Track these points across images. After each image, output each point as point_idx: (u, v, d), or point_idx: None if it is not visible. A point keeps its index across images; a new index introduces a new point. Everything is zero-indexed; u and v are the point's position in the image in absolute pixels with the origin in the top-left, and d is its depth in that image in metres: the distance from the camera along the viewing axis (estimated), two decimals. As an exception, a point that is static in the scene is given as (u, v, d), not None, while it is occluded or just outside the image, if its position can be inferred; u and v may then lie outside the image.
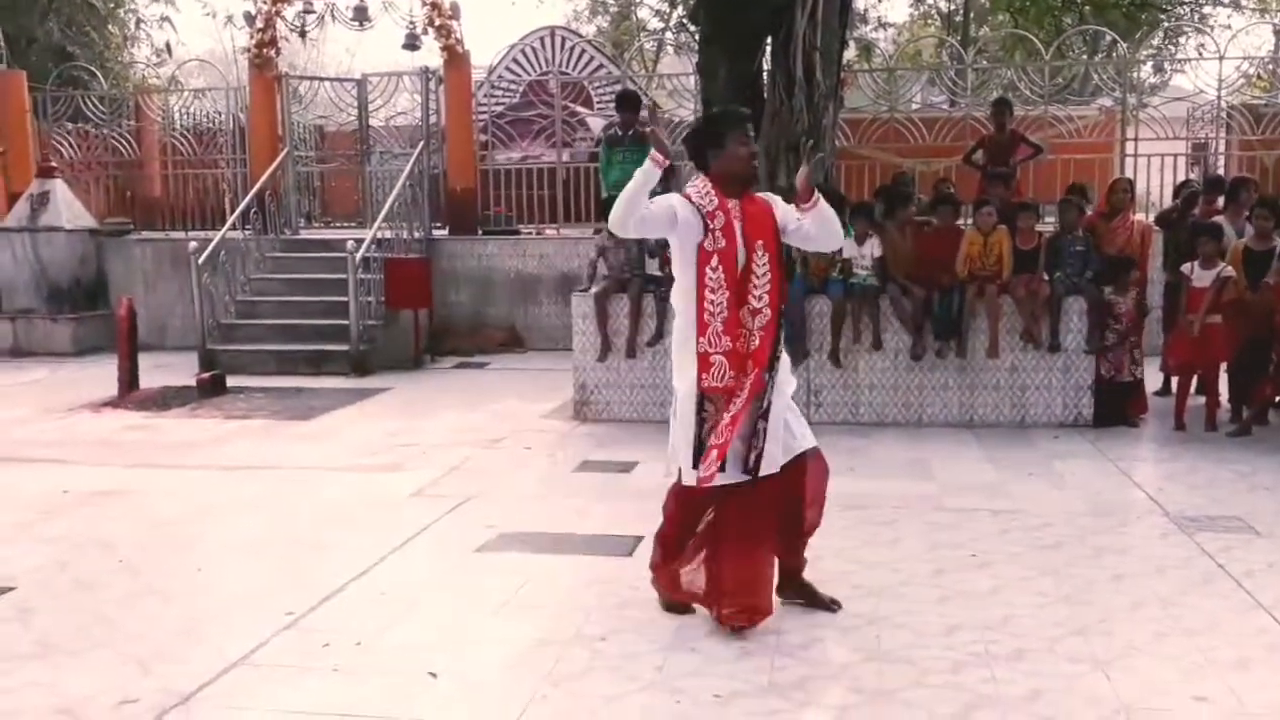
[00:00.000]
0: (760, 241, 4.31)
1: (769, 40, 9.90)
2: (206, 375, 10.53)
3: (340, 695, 3.86)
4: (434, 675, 4.00)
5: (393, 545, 5.54)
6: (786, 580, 4.59)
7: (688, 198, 4.34)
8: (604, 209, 9.47)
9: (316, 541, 5.68)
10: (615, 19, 31.84)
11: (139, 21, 22.39)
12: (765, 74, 10.13)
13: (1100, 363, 8.23)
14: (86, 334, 13.56)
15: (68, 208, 13.98)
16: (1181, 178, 11.63)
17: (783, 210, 4.42)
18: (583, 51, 17.39)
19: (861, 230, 8.48)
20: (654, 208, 4.28)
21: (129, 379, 10.24)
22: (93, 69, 16.51)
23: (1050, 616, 4.47)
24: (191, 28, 46.61)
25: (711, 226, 4.27)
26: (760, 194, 4.48)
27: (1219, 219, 8.74)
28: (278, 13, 14.46)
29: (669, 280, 8.58)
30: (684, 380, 4.35)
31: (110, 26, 21.67)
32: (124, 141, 15.29)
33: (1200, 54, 15.19)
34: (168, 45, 21.56)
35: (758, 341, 4.30)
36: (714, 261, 4.26)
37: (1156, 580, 4.90)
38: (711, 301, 4.27)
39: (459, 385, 10.89)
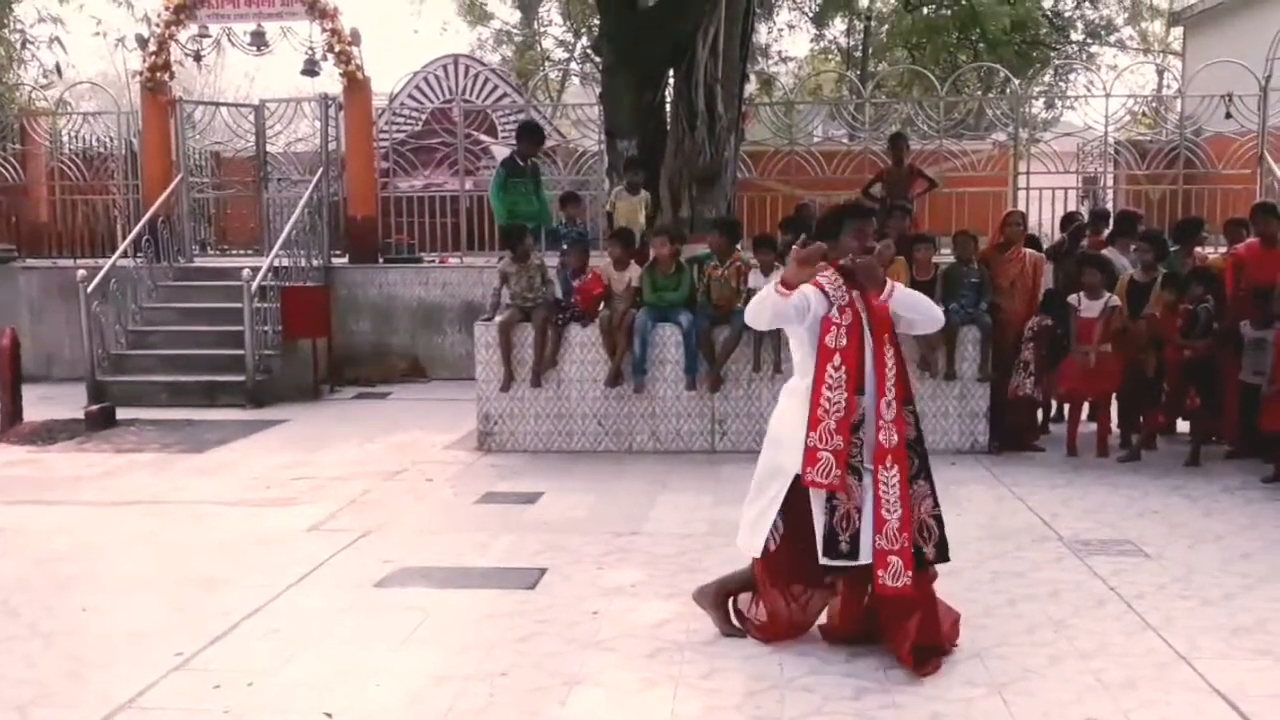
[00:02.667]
0: (886, 335, 4.31)
1: (672, 72, 10.01)
2: (95, 408, 10.19)
3: (231, 738, 3.74)
4: (329, 716, 3.89)
5: (287, 582, 5.39)
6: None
7: (820, 287, 4.30)
8: (505, 237, 9.43)
9: (208, 579, 5.51)
10: (520, 48, 31.87)
11: (25, 42, 21.69)
12: (669, 105, 10.24)
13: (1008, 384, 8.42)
14: (-33, 365, 13.02)
15: (-53, 233, 13.47)
16: (1072, 211, 11.99)
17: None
18: (486, 80, 17.40)
19: (765, 261, 8.56)
20: (789, 304, 4.24)
21: (11, 411, 9.86)
22: (-25, 90, 15.98)
23: (949, 642, 4.53)
24: (82, 49, 45.37)
25: (838, 322, 4.25)
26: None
27: (1106, 251, 9.02)
28: (172, 36, 14.14)
29: (570, 308, 8.63)
30: (791, 457, 4.32)
31: (-5, 46, 20.99)
32: (8, 165, 14.79)
33: (1089, 91, 15.75)
34: (57, 67, 20.89)
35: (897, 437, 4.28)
36: (836, 360, 4.24)
37: (1051, 604, 5.00)
38: (828, 399, 4.23)
39: (359, 416, 10.71)
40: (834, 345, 4.24)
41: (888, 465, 4.26)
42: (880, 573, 4.20)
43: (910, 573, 4.19)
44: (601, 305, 8.70)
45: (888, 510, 4.23)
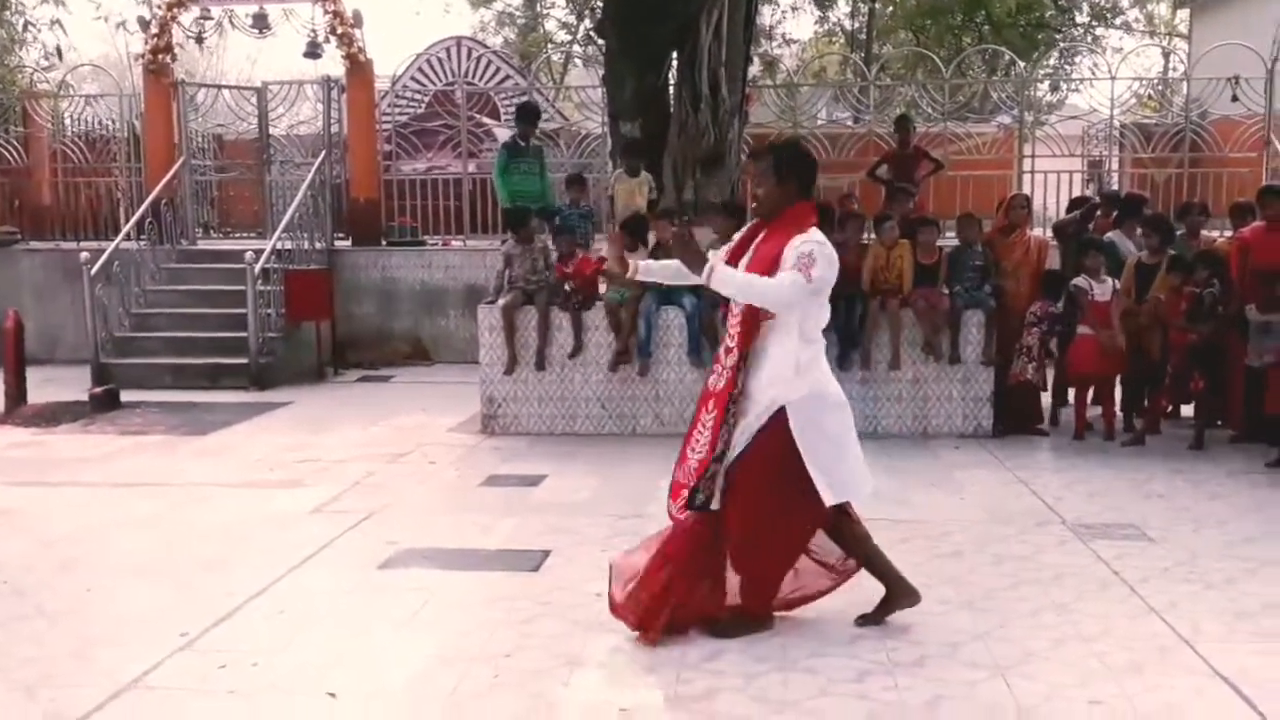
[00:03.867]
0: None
1: (675, 55, 9.98)
2: (99, 390, 10.20)
3: (237, 718, 3.75)
4: (334, 695, 3.90)
5: (291, 563, 5.40)
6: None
7: None
8: (509, 220, 9.43)
9: (212, 560, 5.52)
10: (522, 31, 31.78)
11: (27, 24, 21.65)
12: (672, 88, 10.22)
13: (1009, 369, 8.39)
14: (-29, 348, 13.02)
15: (-49, 216, 13.46)
16: (1077, 194, 11.95)
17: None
18: (489, 62, 17.33)
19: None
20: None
21: (16, 394, 9.87)
22: (-22, 73, 15.95)
23: (951, 624, 4.53)
24: (83, 31, 45.27)
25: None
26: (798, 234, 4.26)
27: (1112, 234, 9.00)
28: (174, 18, 14.11)
29: (572, 293, 8.62)
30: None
31: (-4, 29, 20.97)
32: (11, 148, 14.77)
33: (1094, 74, 15.69)
34: (58, 49, 20.85)
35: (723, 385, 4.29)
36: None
37: (1054, 587, 5.00)
38: None
39: (362, 399, 10.72)
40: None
41: (709, 409, 4.32)
42: (671, 502, 4.38)
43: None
44: (605, 288, 8.68)
45: (693, 450, 4.33)
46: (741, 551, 4.38)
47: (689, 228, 4.43)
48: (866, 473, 4.53)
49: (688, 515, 4.34)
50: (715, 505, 4.32)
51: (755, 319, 4.26)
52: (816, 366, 4.39)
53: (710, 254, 4.38)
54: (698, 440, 4.36)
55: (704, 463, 4.30)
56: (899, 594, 4.53)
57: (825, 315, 4.44)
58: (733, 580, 4.47)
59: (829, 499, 4.32)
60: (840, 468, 4.37)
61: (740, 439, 4.30)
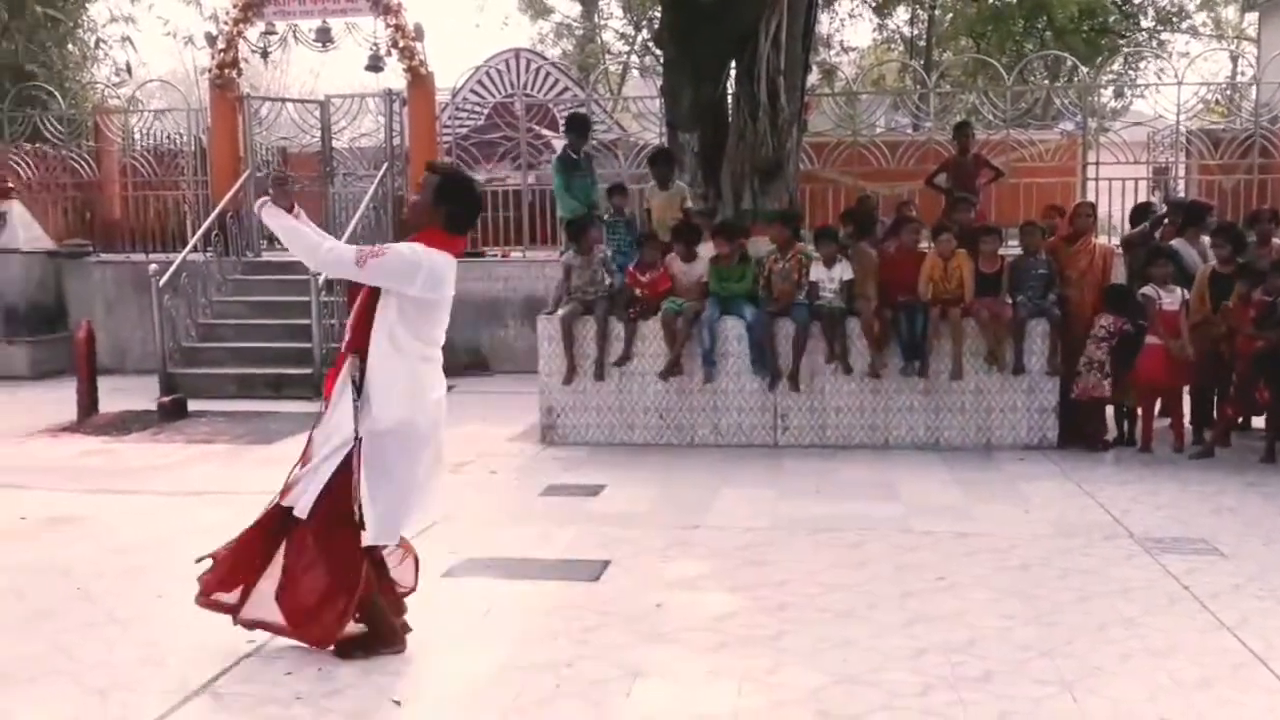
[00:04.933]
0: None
1: (733, 64, 9.97)
2: (167, 399, 10.41)
3: (302, 725, 3.80)
4: (398, 703, 3.95)
5: (356, 571, 5.45)
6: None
7: None
8: (568, 230, 9.49)
9: (279, 567, 5.58)
10: (580, 42, 31.95)
11: (99, 41, 22.16)
12: (729, 98, 10.20)
13: (1074, 385, 8.26)
14: (44, 357, 13.35)
15: (25, 229, 13.79)
16: (1142, 201, 11.75)
17: None
18: (548, 74, 17.42)
19: (828, 253, 8.52)
20: None
21: (88, 403, 10.10)
22: (51, 89, 16.33)
23: (1017, 638, 4.48)
24: (152, 47, 46.39)
25: None
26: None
27: (1175, 242, 8.83)
28: (240, 34, 14.39)
29: (635, 300, 8.66)
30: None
31: (70, 45, 21.46)
32: (83, 162, 15.12)
33: (1159, 79, 15.47)
34: (128, 65, 21.35)
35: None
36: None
37: (1122, 602, 4.92)
38: None
39: (424, 408, 10.79)
40: None
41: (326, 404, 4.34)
42: (284, 498, 4.36)
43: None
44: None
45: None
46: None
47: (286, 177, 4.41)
48: (425, 508, 4.46)
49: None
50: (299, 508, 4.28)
51: (367, 312, 4.26)
52: (410, 392, 4.31)
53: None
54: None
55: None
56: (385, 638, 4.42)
57: (436, 334, 4.41)
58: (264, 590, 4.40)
59: (367, 539, 4.26)
60: (394, 508, 4.29)
61: (324, 467, 4.26)
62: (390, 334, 4.22)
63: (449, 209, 4.34)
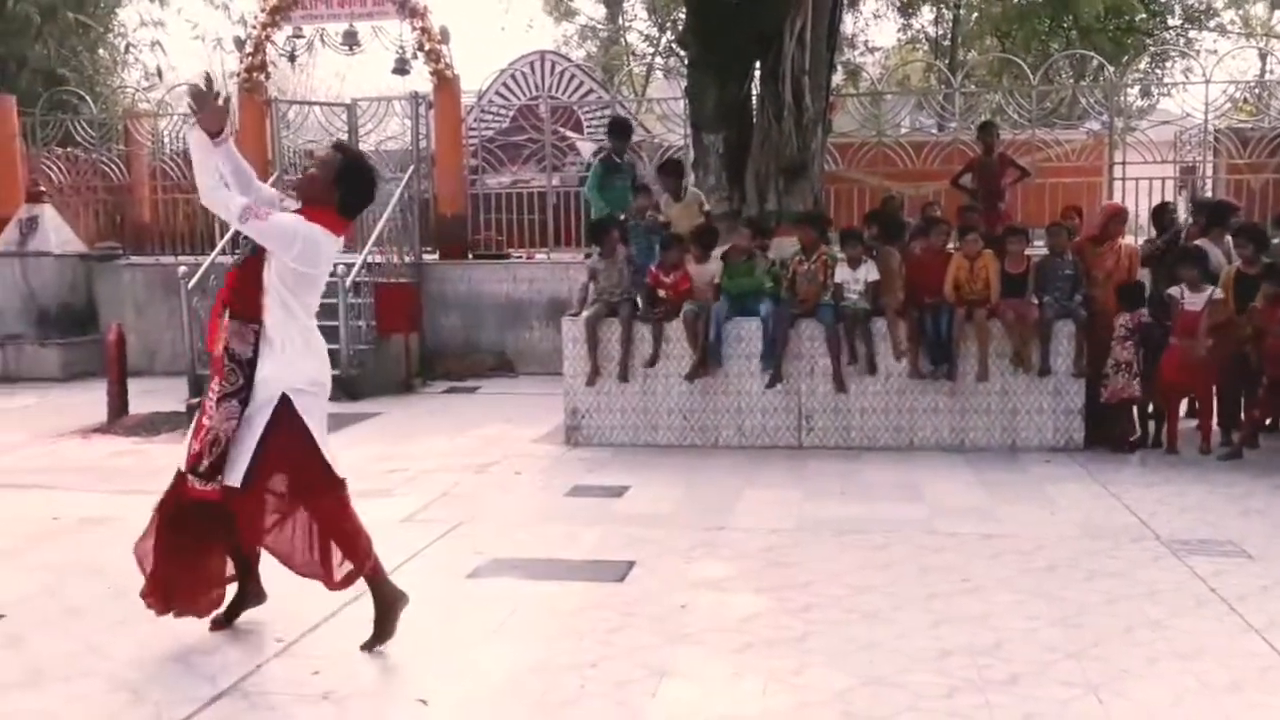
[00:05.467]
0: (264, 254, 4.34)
1: (758, 65, 9.98)
2: (196, 400, 10.47)
3: (331, 723, 3.84)
4: (424, 702, 3.98)
5: (383, 571, 5.50)
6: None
7: None
8: (592, 231, 9.51)
9: (307, 568, 5.64)
10: (605, 44, 31.99)
11: (129, 46, 22.41)
12: (754, 98, 10.21)
13: (1102, 388, 8.21)
14: (76, 359, 13.51)
15: (57, 233, 13.96)
16: (1165, 201, 11.66)
17: None
18: (572, 76, 17.44)
19: (853, 255, 8.51)
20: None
21: (118, 404, 10.21)
22: (82, 93, 16.52)
23: (1043, 641, 4.47)
24: (181, 51, 46.91)
25: None
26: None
27: (1199, 242, 8.77)
28: (268, 37, 14.50)
29: (658, 301, 8.68)
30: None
31: (100, 50, 21.70)
32: (113, 166, 15.28)
33: (1187, 78, 15.36)
34: (158, 69, 21.61)
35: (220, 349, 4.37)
36: None
37: (1149, 604, 4.90)
38: None
39: (449, 410, 10.87)
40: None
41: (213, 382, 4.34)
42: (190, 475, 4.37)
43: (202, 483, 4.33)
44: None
45: (208, 418, 4.33)
46: (328, 521, 4.45)
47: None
48: None
49: (207, 486, 4.35)
50: (231, 479, 4.32)
51: (254, 279, 4.30)
52: (316, 351, 4.47)
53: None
54: (210, 408, 4.36)
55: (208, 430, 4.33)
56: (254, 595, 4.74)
57: (313, 300, 4.47)
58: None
59: (340, 473, 4.50)
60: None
61: (253, 425, 4.30)
62: (282, 299, 4.32)
63: (344, 192, 4.42)
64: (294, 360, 4.34)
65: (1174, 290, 8.09)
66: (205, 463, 4.32)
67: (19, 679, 4.24)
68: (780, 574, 5.40)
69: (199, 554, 4.58)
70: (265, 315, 4.30)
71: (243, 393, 4.31)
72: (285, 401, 4.30)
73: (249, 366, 4.31)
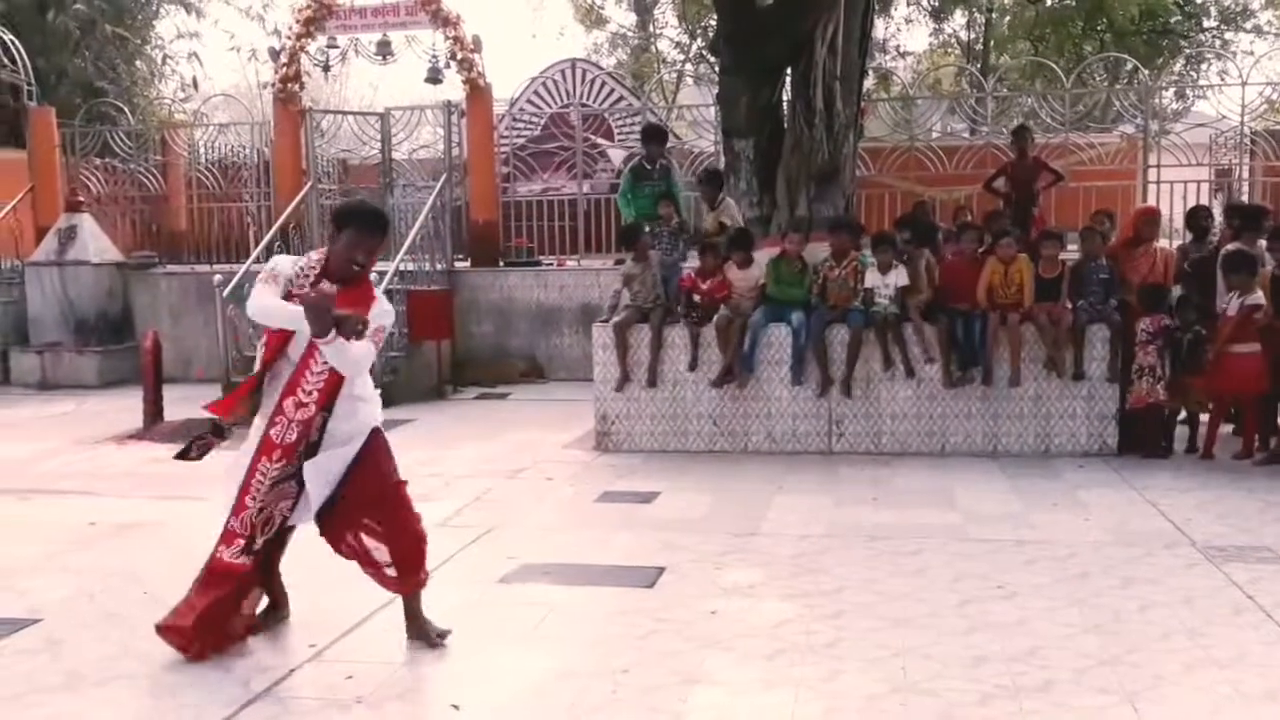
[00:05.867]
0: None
1: (789, 71, 9.96)
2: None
3: (364, 727, 3.86)
4: (457, 707, 3.99)
5: (416, 576, 5.53)
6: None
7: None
8: (623, 238, 9.53)
9: (340, 573, 5.64)
10: (635, 51, 32.02)
11: (166, 57, 22.67)
12: (785, 104, 10.19)
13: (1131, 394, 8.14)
14: (113, 367, 13.66)
15: (95, 242, 14.13)
16: (1200, 205, 11.53)
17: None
18: (603, 84, 17.53)
19: (884, 260, 8.48)
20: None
21: (155, 411, 10.30)
22: (120, 105, 16.72)
23: (1078, 647, 4.43)
24: (216, 62, 47.17)
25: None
26: (376, 292, 4.54)
27: (1231, 246, 8.64)
28: (302, 48, 14.64)
29: (693, 306, 8.68)
30: None
31: (138, 62, 21.96)
32: (150, 176, 15.46)
33: (1223, 80, 15.21)
34: (194, 80, 21.83)
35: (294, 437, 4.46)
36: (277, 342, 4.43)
37: (1185, 611, 4.86)
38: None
39: (481, 416, 10.92)
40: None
41: (274, 459, 4.46)
42: (224, 549, 4.53)
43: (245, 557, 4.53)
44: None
45: (253, 498, 4.50)
46: (395, 530, 4.62)
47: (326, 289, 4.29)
48: None
49: (239, 560, 4.53)
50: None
51: (339, 380, 4.44)
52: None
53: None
54: (257, 489, 4.51)
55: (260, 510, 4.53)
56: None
57: None
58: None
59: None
60: None
61: (335, 466, 4.51)
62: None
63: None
64: (375, 400, 4.72)
65: (1227, 298, 7.96)
66: (259, 542, 4.53)
67: (57, 682, 4.29)
68: (811, 580, 5.38)
69: (234, 611, 4.66)
70: (345, 386, 4.48)
71: (299, 475, 4.50)
72: (375, 432, 4.61)
73: (315, 448, 4.51)
